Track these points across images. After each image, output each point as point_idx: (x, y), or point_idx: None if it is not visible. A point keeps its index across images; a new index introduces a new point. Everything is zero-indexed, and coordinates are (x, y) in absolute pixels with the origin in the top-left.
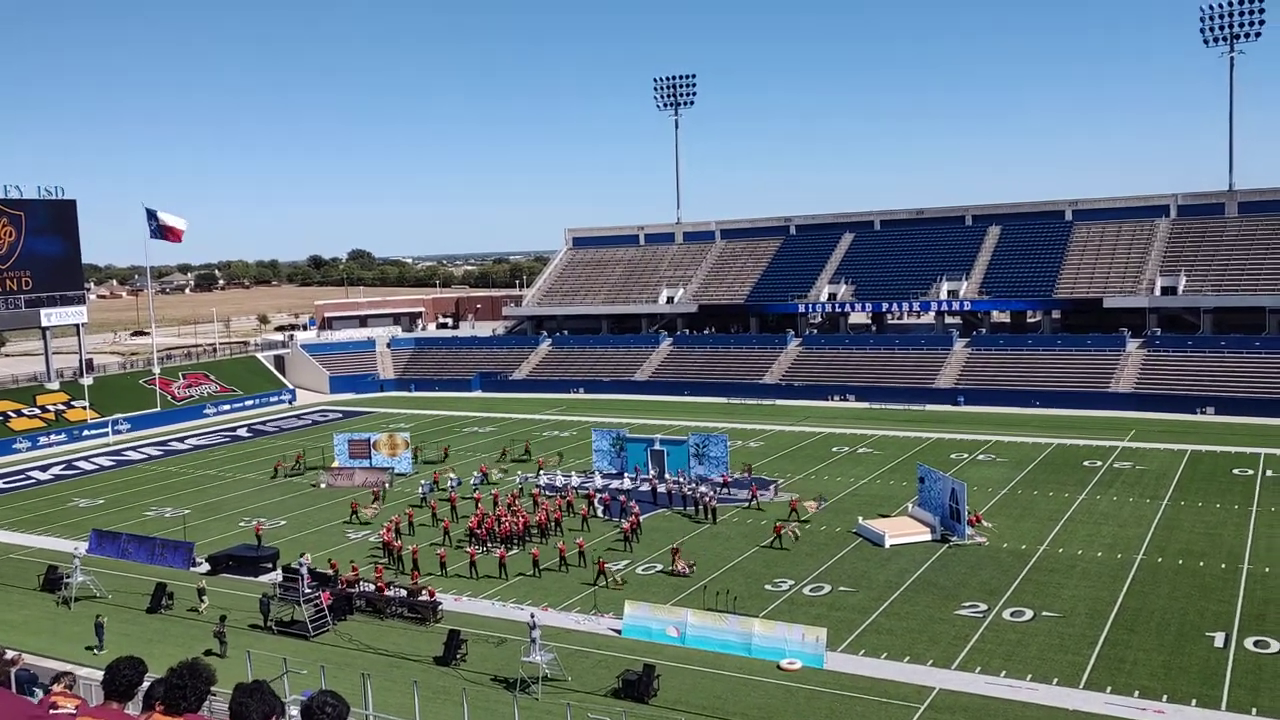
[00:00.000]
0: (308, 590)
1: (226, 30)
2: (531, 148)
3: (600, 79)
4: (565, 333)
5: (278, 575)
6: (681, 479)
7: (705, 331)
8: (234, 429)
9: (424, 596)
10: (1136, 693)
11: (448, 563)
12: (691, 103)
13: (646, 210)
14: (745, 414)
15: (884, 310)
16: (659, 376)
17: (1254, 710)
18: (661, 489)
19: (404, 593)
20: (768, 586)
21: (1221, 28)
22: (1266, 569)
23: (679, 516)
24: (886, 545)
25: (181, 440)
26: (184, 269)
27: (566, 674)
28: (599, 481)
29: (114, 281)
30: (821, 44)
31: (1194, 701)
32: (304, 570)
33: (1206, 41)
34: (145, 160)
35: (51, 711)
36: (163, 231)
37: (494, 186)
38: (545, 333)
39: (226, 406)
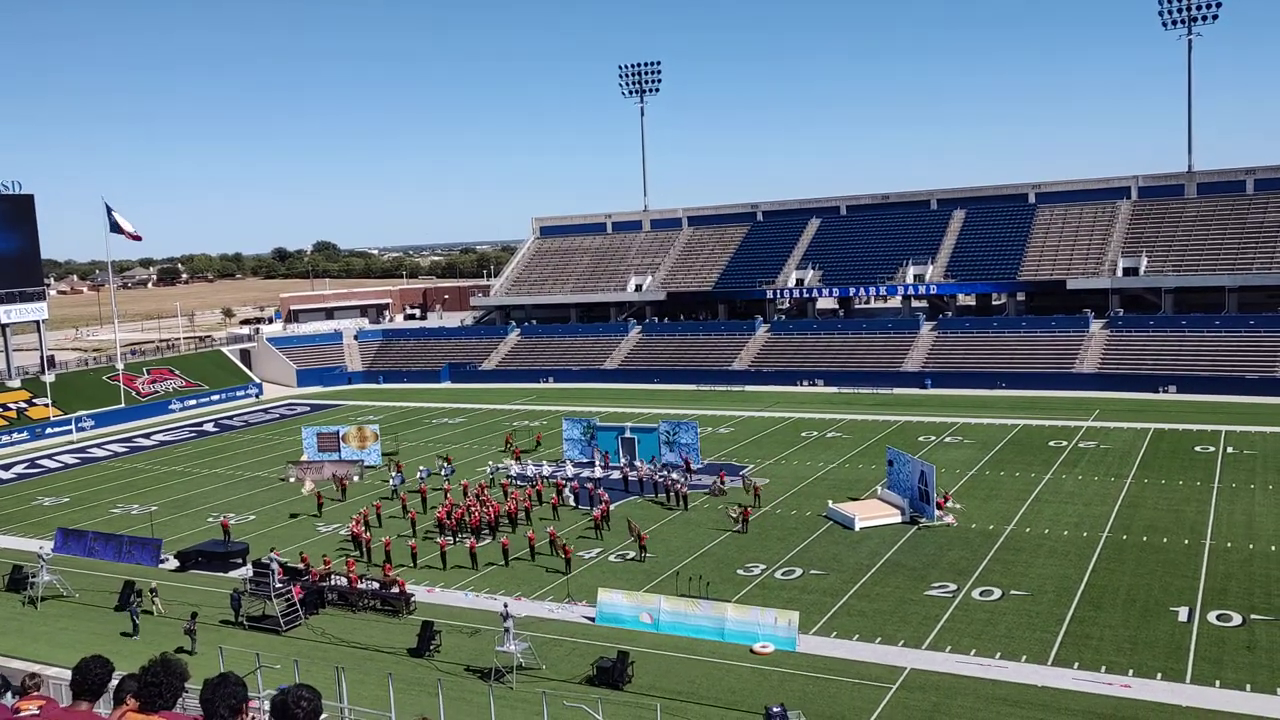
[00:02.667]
0: (279, 585)
1: (185, 20)
2: (497, 137)
3: (565, 67)
4: (534, 322)
5: (248, 570)
6: (654, 465)
7: (674, 319)
8: (200, 424)
9: (395, 589)
10: (1103, 668)
11: (419, 554)
12: (657, 90)
13: (613, 198)
14: (715, 400)
15: (851, 295)
16: (628, 365)
17: (1217, 683)
18: (633, 477)
19: (376, 585)
20: (740, 571)
21: (1179, 10)
22: (1228, 544)
23: (650, 504)
24: (857, 528)
25: (147, 436)
26: (146, 264)
27: (541, 663)
28: (570, 470)
29: (74, 277)
30: (786, 32)
31: (1159, 675)
32: (274, 565)
33: (1165, 25)
34: (105, 154)
35: (16, 715)
36: (121, 229)
37: (460, 176)
38: (514, 323)
39: (192, 401)
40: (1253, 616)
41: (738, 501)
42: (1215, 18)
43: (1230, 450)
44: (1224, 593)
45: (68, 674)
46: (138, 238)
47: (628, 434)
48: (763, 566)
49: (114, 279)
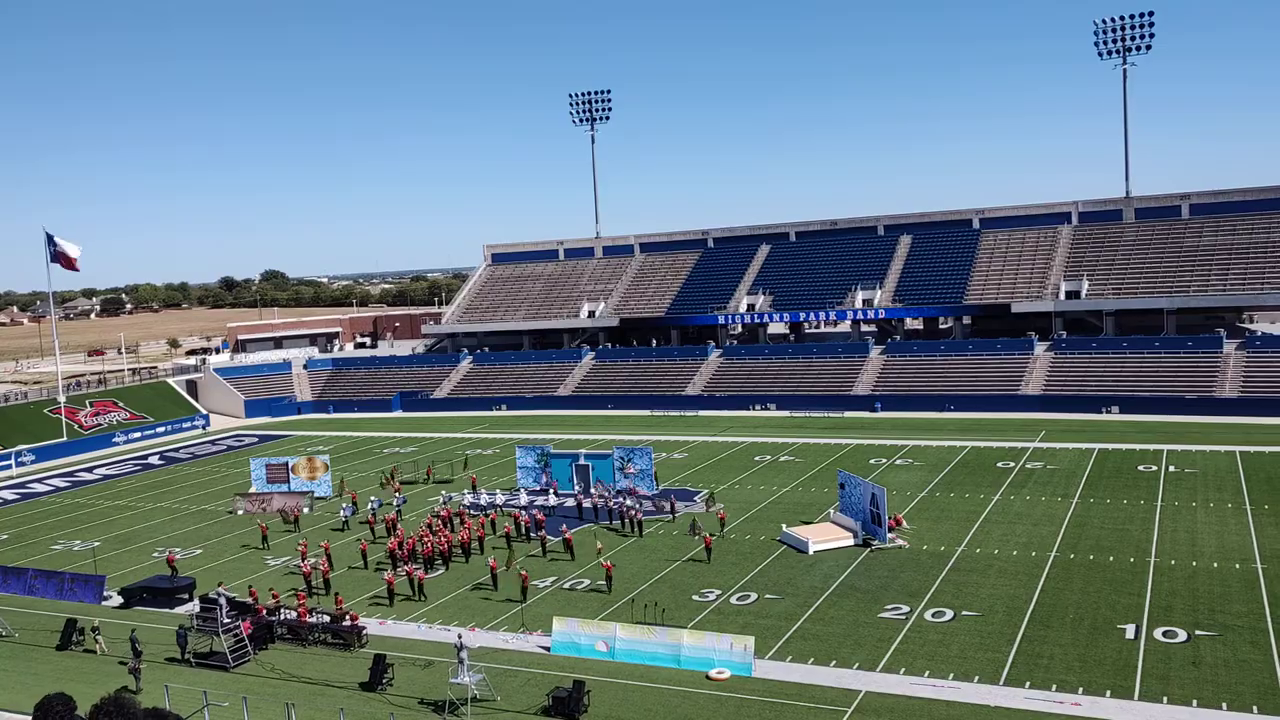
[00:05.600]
0: (226, 620)
1: (126, 49)
2: (448, 164)
3: (516, 94)
4: (486, 350)
5: (194, 606)
6: (606, 492)
7: (627, 345)
8: (145, 457)
9: (346, 622)
10: (1054, 686)
11: (375, 584)
12: (607, 118)
13: (565, 225)
14: (669, 426)
15: (801, 320)
16: (582, 391)
17: (1164, 699)
18: (587, 504)
19: (327, 618)
20: (695, 597)
21: (1115, 41)
22: (1172, 562)
23: (606, 531)
24: (810, 551)
25: (89, 470)
26: (89, 294)
27: (495, 694)
28: (524, 499)
29: (14, 308)
30: (732, 60)
31: (1108, 693)
32: (222, 600)
33: (1101, 54)
34: (45, 183)
35: None
36: (60, 257)
37: (411, 204)
38: (466, 350)
39: (137, 434)
40: (1197, 633)
41: (707, 530)
42: (1149, 48)
43: (1172, 469)
44: (1169, 610)
45: (7, 716)
46: (74, 266)
47: (582, 461)
48: (718, 592)
49: (55, 310)
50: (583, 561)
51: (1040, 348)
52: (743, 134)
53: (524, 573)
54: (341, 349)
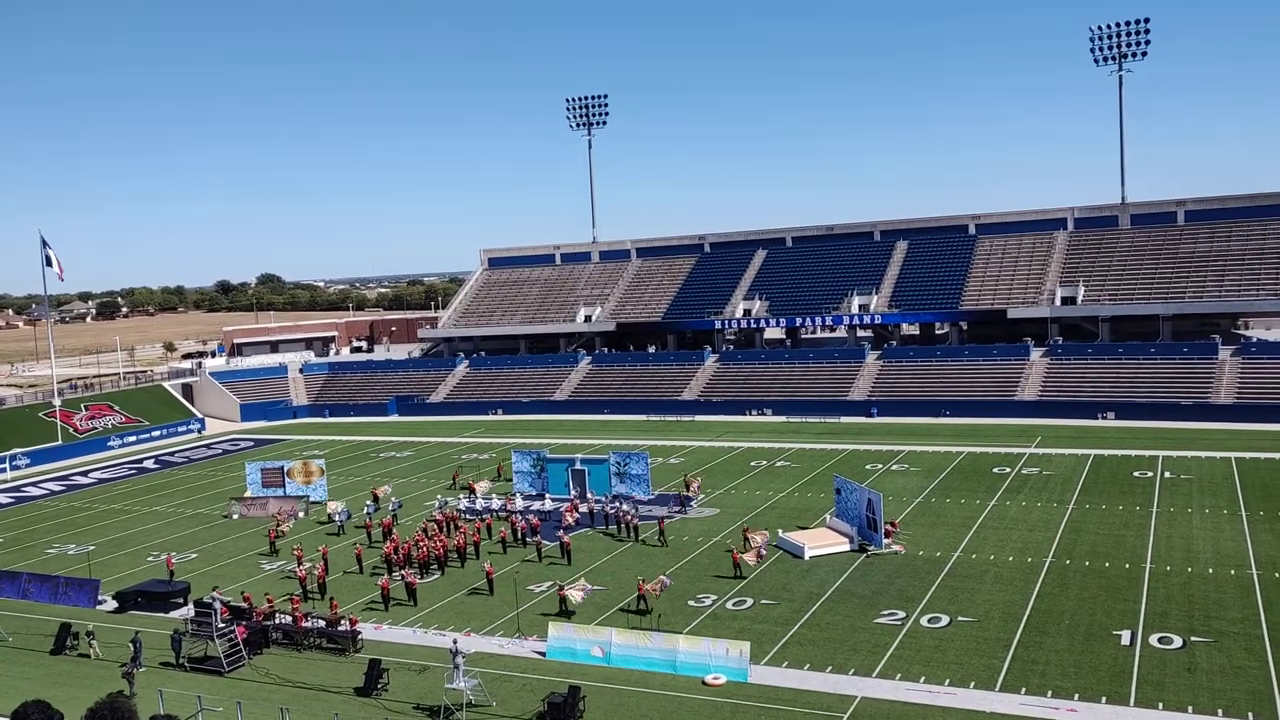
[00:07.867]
0: (221, 624)
1: (121, 57)
2: (444, 169)
3: (513, 99)
4: (483, 354)
5: (189, 610)
6: (604, 499)
7: (624, 350)
8: (140, 461)
9: (344, 626)
10: (1050, 692)
11: (370, 588)
12: (604, 123)
13: (562, 230)
14: (665, 431)
15: (798, 325)
16: (578, 396)
17: (1160, 705)
18: (583, 508)
19: (322, 623)
20: (691, 602)
21: (1110, 48)
22: (1168, 568)
23: (602, 536)
24: (806, 557)
25: (84, 474)
26: (84, 297)
27: (491, 699)
28: (520, 504)
29: (10, 311)
30: (728, 66)
31: (1104, 699)
32: (217, 604)
33: (1097, 61)
34: (41, 186)
35: None
36: (52, 262)
37: (407, 208)
38: (462, 354)
39: (132, 438)
40: (1192, 639)
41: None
42: (1145, 54)
43: (1168, 475)
44: (1164, 616)
45: None
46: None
47: (578, 465)
48: (714, 597)
49: (51, 313)
50: (579, 566)
51: (1036, 353)
52: (739, 139)
53: (563, 589)
54: (338, 353)
